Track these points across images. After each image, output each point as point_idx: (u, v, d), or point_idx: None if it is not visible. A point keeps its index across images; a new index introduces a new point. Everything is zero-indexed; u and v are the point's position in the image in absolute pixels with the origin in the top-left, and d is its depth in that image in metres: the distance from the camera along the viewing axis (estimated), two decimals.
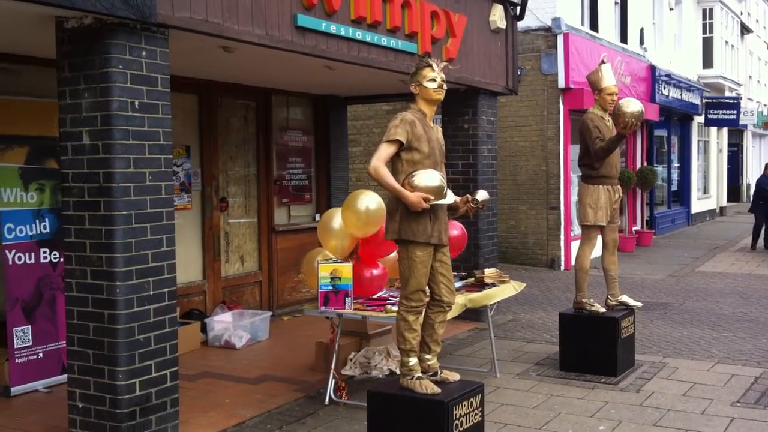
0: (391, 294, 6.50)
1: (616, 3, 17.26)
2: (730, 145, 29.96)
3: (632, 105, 6.67)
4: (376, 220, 6.20)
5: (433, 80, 4.78)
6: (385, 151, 4.65)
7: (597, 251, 7.24)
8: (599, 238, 7.18)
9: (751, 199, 17.26)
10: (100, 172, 4.87)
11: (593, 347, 6.97)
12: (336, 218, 6.36)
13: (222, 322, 8.16)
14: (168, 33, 5.14)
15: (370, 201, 6.23)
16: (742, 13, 29.26)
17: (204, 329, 8.12)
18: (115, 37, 4.81)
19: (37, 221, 6.45)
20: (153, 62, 5.02)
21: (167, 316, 5.15)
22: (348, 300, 6.03)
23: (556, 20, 13.86)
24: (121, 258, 4.85)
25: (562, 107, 14.04)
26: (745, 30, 29.80)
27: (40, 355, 6.47)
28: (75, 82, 4.93)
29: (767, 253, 16.25)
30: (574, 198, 13.79)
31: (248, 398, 6.31)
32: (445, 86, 4.84)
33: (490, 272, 7.13)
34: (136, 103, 4.92)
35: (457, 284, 6.63)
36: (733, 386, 6.62)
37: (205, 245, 8.73)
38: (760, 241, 16.79)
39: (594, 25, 15.85)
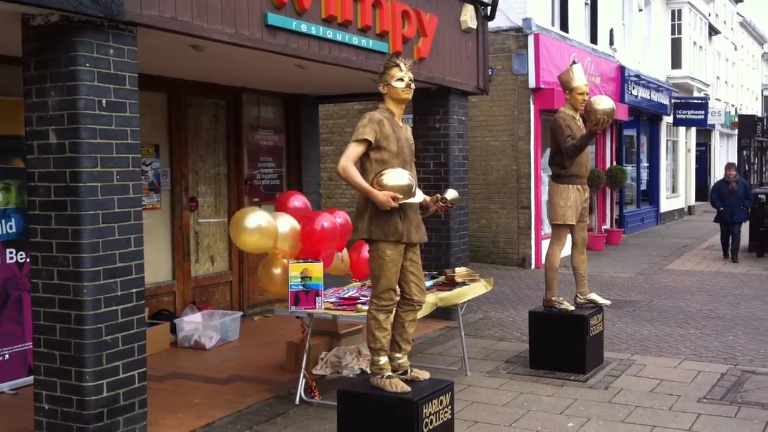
0: (362, 293, 6.50)
1: (586, 4, 17.40)
2: (698, 144, 30.35)
3: (604, 102, 6.73)
4: (272, 234, 6.17)
5: (401, 80, 4.79)
6: (354, 150, 4.65)
7: (567, 250, 7.30)
8: (569, 236, 7.24)
9: (711, 202, 15.38)
10: (67, 172, 4.81)
11: (562, 345, 7.02)
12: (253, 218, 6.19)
13: (192, 322, 8.10)
14: (136, 31, 5.10)
15: (259, 219, 6.14)
16: (710, 15, 29.65)
17: (173, 330, 8.06)
18: (82, 35, 4.76)
19: (3, 221, 6.37)
20: (121, 60, 4.97)
21: (135, 316, 5.11)
22: (318, 299, 6.03)
23: (526, 21, 13.95)
24: (88, 258, 4.80)
25: (532, 107, 14.13)
26: (712, 31, 30.20)
27: (6, 356, 6.39)
28: (41, 80, 4.87)
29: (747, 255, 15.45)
30: (544, 197, 13.88)
31: (218, 398, 6.28)
32: (413, 86, 4.86)
33: (460, 271, 7.16)
34: (104, 101, 4.87)
35: (428, 283, 6.64)
36: (699, 383, 6.71)
37: (175, 245, 8.67)
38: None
39: (564, 26, 15.97)
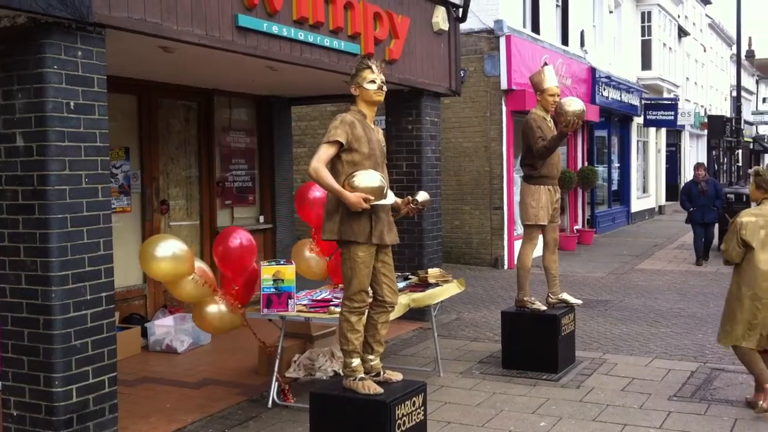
0: (334, 295, 6.49)
1: (557, 5, 17.53)
2: (668, 145, 30.67)
3: (574, 104, 6.78)
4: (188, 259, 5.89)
5: (373, 82, 4.79)
6: (325, 152, 4.65)
7: (539, 250, 7.34)
8: (541, 237, 7.29)
9: (681, 203, 14.96)
10: (35, 175, 4.76)
11: (535, 345, 7.07)
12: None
13: (163, 326, 8.04)
14: (105, 33, 5.06)
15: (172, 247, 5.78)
16: (679, 16, 30.00)
17: (144, 334, 7.99)
18: (49, 37, 4.71)
19: None
20: (89, 62, 4.93)
21: (105, 320, 5.06)
22: (291, 302, 6.01)
23: (498, 22, 14.02)
24: (56, 262, 4.75)
25: (504, 108, 14.20)
26: (682, 33, 30.55)
27: None
28: (8, 82, 4.81)
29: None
30: (517, 198, 13.94)
31: (190, 403, 6.24)
32: (385, 88, 4.86)
33: (433, 272, 7.18)
34: (72, 104, 4.83)
35: (401, 284, 6.66)
36: (670, 381, 6.79)
37: None
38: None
39: (536, 28, 16.07)
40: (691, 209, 14.47)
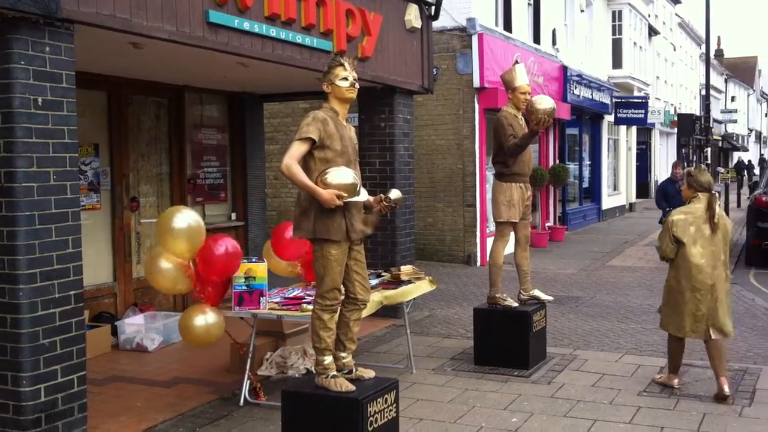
0: (306, 293, 6.48)
1: (529, 4, 17.61)
2: (638, 143, 30.97)
3: (544, 102, 6.82)
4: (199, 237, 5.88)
5: (345, 79, 4.79)
6: (298, 149, 4.63)
7: (510, 247, 7.38)
8: (512, 234, 7.32)
9: (656, 203, 14.46)
10: (2, 172, 4.70)
11: (506, 341, 7.10)
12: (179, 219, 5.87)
13: (133, 324, 7.97)
14: (73, 28, 5.00)
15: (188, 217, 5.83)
16: (649, 16, 30.29)
17: (115, 332, 7.92)
18: (17, 32, 4.65)
19: None
20: (57, 58, 4.87)
21: (74, 319, 5.01)
22: (263, 300, 5.98)
23: (470, 20, 14.05)
24: (24, 260, 4.69)
25: (477, 106, 14.25)
26: (652, 32, 30.86)
27: None
28: None
29: None
30: (489, 195, 13.99)
31: (160, 401, 6.19)
32: (357, 85, 4.86)
33: (406, 269, 7.19)
34: (39, 100, 4.76)
35: (374, 282, 6.65)
36: (639, 376, 6.86)
37: (116, 246, 8.51)
38: None
39: (508, 26, 16.14)
40: (667, 209, 13.67)
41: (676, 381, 6.52)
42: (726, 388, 6.09)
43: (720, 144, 50.24)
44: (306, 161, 4.71)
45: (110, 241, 8.49)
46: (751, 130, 69.74)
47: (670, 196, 13.78)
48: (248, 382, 6.13)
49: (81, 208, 5.22)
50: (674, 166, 14.55)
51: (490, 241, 13.11)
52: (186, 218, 5.84)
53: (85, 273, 5.19)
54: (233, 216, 10.30)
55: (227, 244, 5.93)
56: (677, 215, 6.32)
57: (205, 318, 5.87)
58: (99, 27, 5.21)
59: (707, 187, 6.35)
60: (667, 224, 6.35)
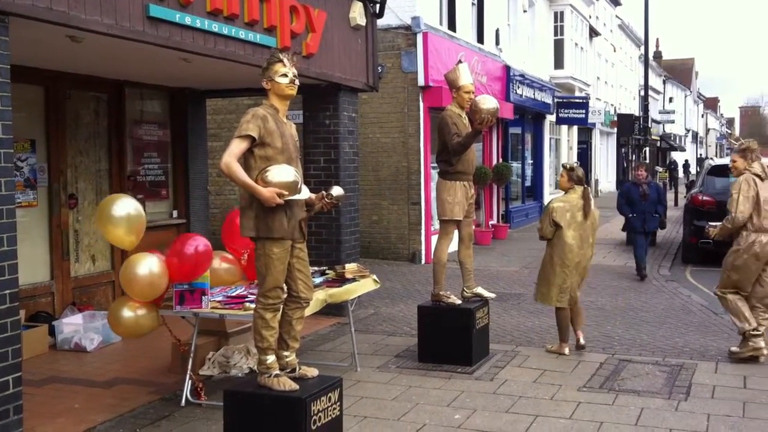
0: (249, 291, 6.41)
1: (473, 4, 17.75)
2: (579, 142, 31.53)
3: (488, 102, 6.89)
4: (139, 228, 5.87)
5: (285, 75, 4.76)
6: (237, 146, 4.59)
7: (454, 245, 7.43)
8: (456, 232, 7.38)
9: (618, 208, 12.81)
10: None
11: (450, 338, 7.15)
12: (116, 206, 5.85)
13: (72, 324, 7.80)
14: (8, 21, 4.85)
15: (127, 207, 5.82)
16: (590, 17, 30.83)
17: (52, 332, 7.73)
18: None
19: None
20: None
21: (9, 319, 4.87)
22: (205, 299, 5.90)
23: (415, 19, 14.10)
24: None
25: (421, 104, 14.32)
26: (593, 33, 31.42)
27: None
28: None
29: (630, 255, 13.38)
30: (434, 193, 14.07)
31: (99, 402, 6.07)
32: (297, 81, 4.83)
33: (350, 267, 7.18)
34: None
35: (318, 280, 6.63)
36: (579, 372, 6.97)
37: (53, 244, 8.31)
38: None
39: (452, 25, 16.25)
40: (631, 215, 12.48)
41: (566, 349, 7.54)
42: (582, 340, 7.60)
43: (658, 144, 51.37)
44: (246, 159, 4.67)
45: (47, 239, 8.28)
46: (688, 131, 71.51)
47: (634, 201, 12.34)
48: (190, 381, 6.05)
49: (16, 205, 5.08)
50: (638, 167, 13.27)
51: (434, 239, 13.24)
52: (126, 206, 5.80)
53: (21, 271, 5.05)
54: (174, 213, 10.15)
55: (198, 243, 5.90)
56: (557, 203, 7.45)
57: (135, 309, 5.80)
58: (35, 20, 5.08)
59: (582, 180, 7.54)
60: (548, 210, 7.44)
